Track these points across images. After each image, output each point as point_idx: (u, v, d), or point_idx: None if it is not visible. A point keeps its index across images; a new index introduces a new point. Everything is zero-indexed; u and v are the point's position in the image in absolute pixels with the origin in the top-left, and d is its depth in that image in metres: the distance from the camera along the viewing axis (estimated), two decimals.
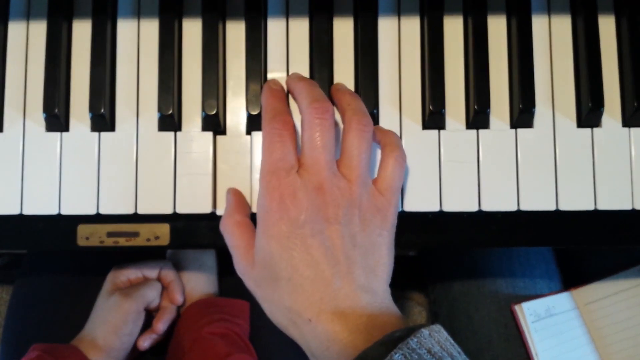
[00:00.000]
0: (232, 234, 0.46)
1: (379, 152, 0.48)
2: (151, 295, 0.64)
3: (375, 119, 0.49)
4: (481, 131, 0.49)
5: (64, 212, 0.49)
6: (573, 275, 0.74)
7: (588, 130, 0.50)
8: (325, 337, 0.41)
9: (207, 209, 0.49)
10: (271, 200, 0.44)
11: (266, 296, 0.45)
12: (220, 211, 0.49)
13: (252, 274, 0.45)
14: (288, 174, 0.44)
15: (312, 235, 0.43)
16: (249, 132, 0.50)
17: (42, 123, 0.49)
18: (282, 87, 0.49)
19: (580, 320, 0.71)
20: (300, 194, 0.43)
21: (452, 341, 0.39)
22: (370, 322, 0.41)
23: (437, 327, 0.39)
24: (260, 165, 0.45)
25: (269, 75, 0.50)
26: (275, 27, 0.50)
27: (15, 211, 0.49)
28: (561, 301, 0.71)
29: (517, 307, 0.68)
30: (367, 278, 0.43)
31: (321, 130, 0.44)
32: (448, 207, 0.49)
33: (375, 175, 0.47)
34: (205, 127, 0.49)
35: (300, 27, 0.50)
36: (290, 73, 0.50)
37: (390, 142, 0.47)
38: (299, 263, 0.43)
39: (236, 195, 0.49)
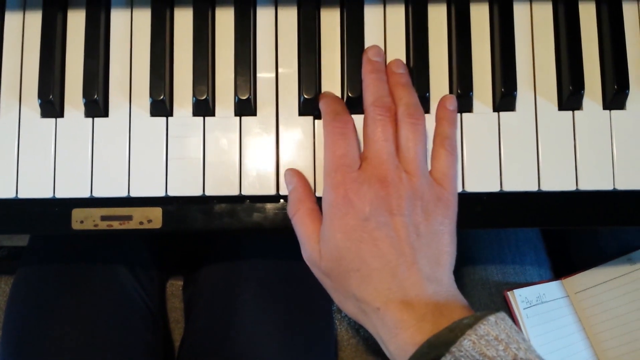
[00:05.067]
0: (303, 224, 0.47)
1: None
2: None
3: None
4: (465, 114, 0.51)
5: (58, 195, 0.50)
6: (563, 264, 0.75)
7: (569, 113, 0.51)
8: (394, 324, 0.43)
9: (198, 192, 0.50)
10: (336, 195, 0.45)
11: (335, 286, 0.46)
12: (209, 192, 0.50)
13: (321, 265, 0.46)
14: (352, 169, 0.45)
15: (377, 227, 0.44)
16: (237, 115, 0.51)
17: (38, 109, 0.50)
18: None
19: (571, 309, 0.72)
20: (365, 188, 0.45)
21: (517, 328, 0.40)
22: (437, 310, 0.42)
23: (502, 315, 0.40)
24: (324, 163, 0.47)
25: (259, 61, 0.51)
26: (264, 15, 0.52)
27: (10, 195, 0.50)
28: (552, 289, 0.72)
29: (509, 293, 0.69)
30: (432, 267, 0.45)
31: (382, 125, 0.46)
32: None
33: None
34: (196, 112, 0.51)
35: (289, 15, 0.52)
36: (279, 59, 0.51)
37: (440, 132, 0.49)
38: (366, 255, 0.44)
39: (302, 179, 0.49)
